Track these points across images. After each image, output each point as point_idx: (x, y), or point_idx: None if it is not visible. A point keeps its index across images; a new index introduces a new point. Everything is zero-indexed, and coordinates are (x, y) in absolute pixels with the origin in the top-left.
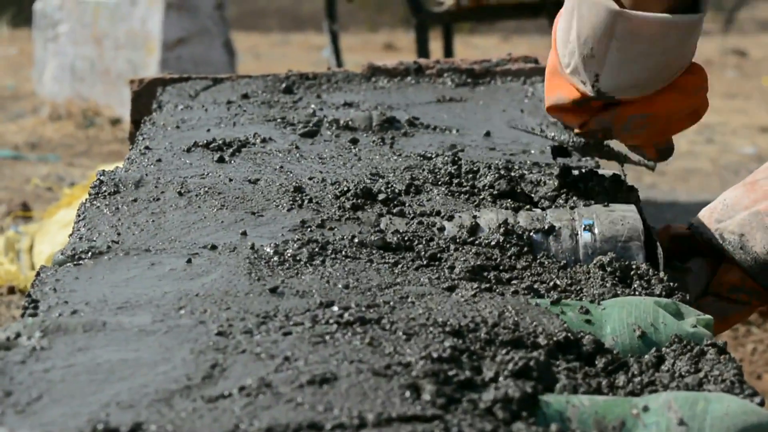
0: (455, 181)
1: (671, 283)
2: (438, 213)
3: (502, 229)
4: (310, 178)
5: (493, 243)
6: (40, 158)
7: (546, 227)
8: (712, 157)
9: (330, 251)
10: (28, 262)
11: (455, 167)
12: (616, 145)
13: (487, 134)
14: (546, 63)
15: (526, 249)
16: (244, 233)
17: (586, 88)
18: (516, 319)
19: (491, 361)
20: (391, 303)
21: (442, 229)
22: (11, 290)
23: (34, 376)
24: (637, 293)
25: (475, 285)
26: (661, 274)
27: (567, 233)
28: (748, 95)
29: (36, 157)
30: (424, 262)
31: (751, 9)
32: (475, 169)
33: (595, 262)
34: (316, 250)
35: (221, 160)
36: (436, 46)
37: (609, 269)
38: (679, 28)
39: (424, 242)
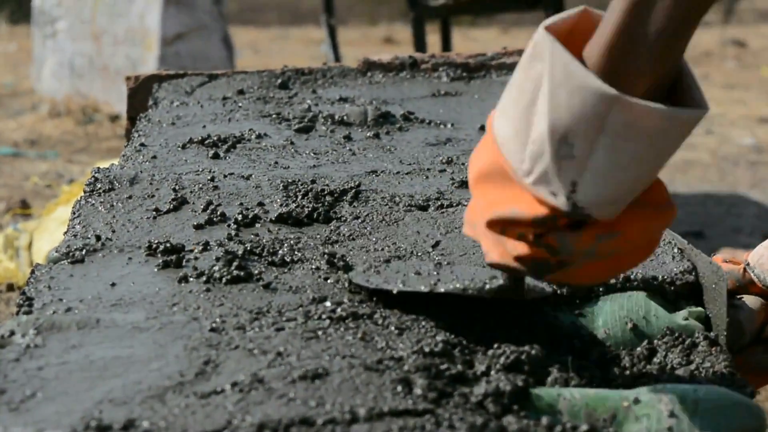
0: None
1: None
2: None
3: None
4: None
5: None
6: (39, 155)
7: None
8: (710, 149)
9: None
10: (27, 259)
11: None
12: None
13: (482, 128)
14: None
15: None
16: (237, 230)
17: (557, 201)
18: (508, 312)
19: (483, 354)
20: (384, 298)
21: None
22: (10, 287)
23: (28, 374)
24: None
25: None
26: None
27: None
28: (748, 86)
29: (35, 154)
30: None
31: None
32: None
33: None
34: (310, 245)
35: (216, 156)
36: (435, 39)
37: None
38: (683, 125)
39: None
